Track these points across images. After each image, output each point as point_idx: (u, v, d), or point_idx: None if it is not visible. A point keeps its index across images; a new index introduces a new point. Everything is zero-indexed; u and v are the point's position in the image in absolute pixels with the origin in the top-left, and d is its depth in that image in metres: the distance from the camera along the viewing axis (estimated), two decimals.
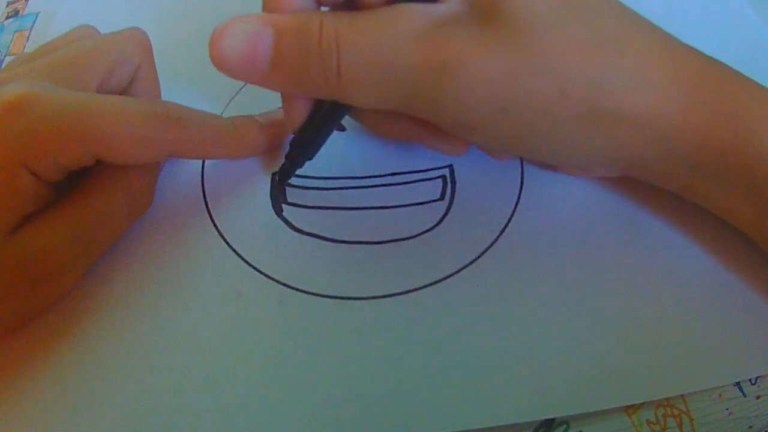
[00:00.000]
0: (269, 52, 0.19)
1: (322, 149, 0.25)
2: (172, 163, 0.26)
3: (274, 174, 0.25)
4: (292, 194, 0.25)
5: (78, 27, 0.25)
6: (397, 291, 0.23)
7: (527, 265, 0.23)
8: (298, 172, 0.25)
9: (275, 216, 0.24)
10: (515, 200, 0.24)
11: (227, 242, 0.24)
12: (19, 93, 0.19)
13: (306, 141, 0.23)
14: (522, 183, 0.25)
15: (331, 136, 0.24)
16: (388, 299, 0.22)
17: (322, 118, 0.22)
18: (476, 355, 0.21)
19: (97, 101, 0.21)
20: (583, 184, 0.25)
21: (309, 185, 0.25)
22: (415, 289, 0.23)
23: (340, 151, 0.26)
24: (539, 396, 0.21)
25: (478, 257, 0.23)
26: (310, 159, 0.24)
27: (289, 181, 0.25)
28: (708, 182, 0.21)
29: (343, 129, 0.24)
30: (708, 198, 0.22)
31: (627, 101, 0.19)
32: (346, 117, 0.23)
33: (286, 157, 0.24)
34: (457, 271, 0.23)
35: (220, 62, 0.19)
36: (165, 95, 0.26)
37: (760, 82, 0.21)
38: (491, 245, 0.23)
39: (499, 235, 0.24)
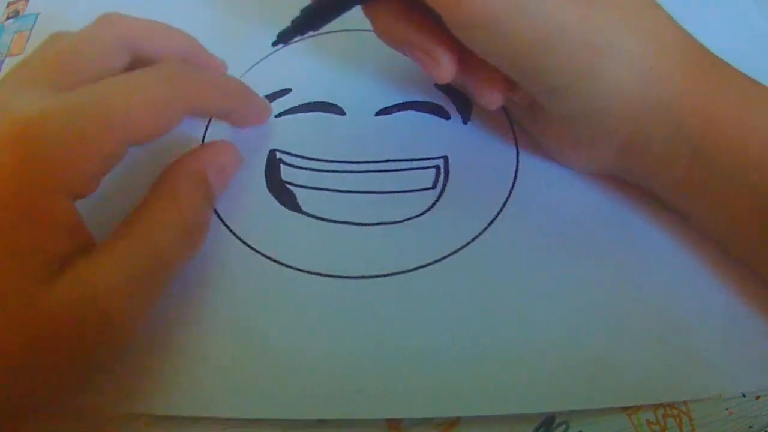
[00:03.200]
0: None
1: (321, 133, 0.25)
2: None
3: (271, 151, 0.25)
4: (286, 172, 0.25)
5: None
6: (378, 273, 0.22)
7: (512, 259, 0.23)
8: (295, 151, 0.25)
9: (267, 191, 0.24)
10: (506, 195, 0.24)
11: (216, 212, 0.24)
12: (23, 117, 0.18)
13: (319, 10, 0.22)
14: (515, 179, 0.25)
15: (331, 120, 0.25)
16: (366, 280, 0.22)
17: None
18: (450, 343, 0.21)
19: (103, 88, 0.20)
20: (579, 185, 0.25)
21: (304, 165, 0.25)
22: (395, 273, 0.22)
23: (338, 135, 0.26)
24: (525, 390, 0.20)
25: (463, 247, 0.23)
26: (315, 30, 0.22)
27: (285, 161, 0.25)
28: (707, 171, 0.21)
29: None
30: (703, 194, 0.22)
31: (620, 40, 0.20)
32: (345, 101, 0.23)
33: (291, 22, 0.23)
34: (440, 259, 0.23)
35: None
36: None
37: (762, 78, 0.22)
38: (477, 237, 0.23)
39: (485, 228, 0.24)
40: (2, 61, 0.30)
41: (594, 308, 0.22)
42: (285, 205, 0.24)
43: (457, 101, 0.27)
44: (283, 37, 0.23)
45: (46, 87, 0.19)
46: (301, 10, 0.22)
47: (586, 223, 0.24)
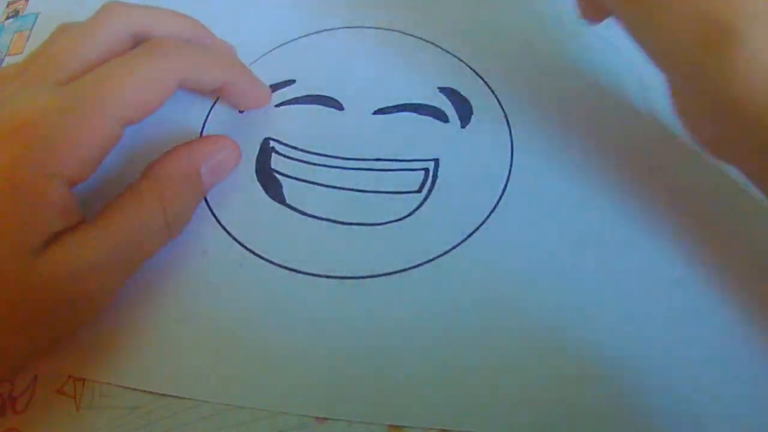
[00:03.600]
0: None
1: (317, 126, 0.26)
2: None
3: (265, 139, 0.26)
4: (276, 161, 0.25)
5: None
6: (350, 275, 0.23)
7: (486, 275, 0.22)
8: (289, 141, 0.26)
9: (255, 179, 0.25)
10: (491, 208, 0.24)
11: (205, 199, 0.25)
12: (24, 112, 0.20)
13: None
14: (504, 191, 0.24)
15: (328, 114, 0.26)
16: (336, 280, 0.23)
17: None
18: (408, 354, 0.21)
19: (95, 76, 0.21)
20: (570, 209, 0.24)
21: (294, 156, 0.25)
22: (366, 277, 0.23)
23: (333, 130, 0.26)
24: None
25: (439, 257, 0.23)
26: None
27: (277, 149, 0.26)
28: None
29: None
30: None
31: None
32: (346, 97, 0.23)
33: None
34: (413, 267, 0.23)
35: None
36: None
37: None
38: (455, 247, 0.23)
39: (464, 239, 0.23)
40: (2, 61, 0.30)
41: (576, 338, 0.21)
42: (270, 195, 0.24)
43: (458, 105, 0.26)
44: None
45: (48, 83, 0.21)
46: None
47: (568, 254, 0.23)
